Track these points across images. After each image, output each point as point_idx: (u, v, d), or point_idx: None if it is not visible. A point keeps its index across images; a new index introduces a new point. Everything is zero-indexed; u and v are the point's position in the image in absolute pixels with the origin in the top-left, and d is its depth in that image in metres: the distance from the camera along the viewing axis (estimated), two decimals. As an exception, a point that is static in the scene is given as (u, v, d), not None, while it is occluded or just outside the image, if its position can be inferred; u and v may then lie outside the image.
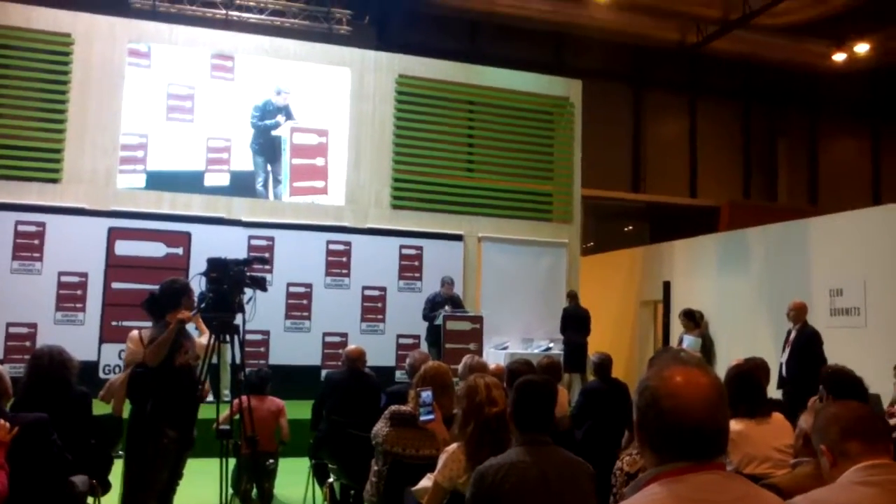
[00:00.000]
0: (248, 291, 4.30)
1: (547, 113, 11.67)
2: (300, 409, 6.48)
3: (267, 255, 9.39)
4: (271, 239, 9.85)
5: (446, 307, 9.30)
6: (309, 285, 9.97)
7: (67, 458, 3.59)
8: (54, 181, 9.31)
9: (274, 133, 10.24)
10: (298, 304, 9.89)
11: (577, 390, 8.48)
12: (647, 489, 1.40)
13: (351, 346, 6.00)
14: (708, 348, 10.28)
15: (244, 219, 9.81)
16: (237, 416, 4.41)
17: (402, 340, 10.10)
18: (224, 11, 12.21)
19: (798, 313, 7.60)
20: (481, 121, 11.38)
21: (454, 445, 3.23)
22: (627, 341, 13.10)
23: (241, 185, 10.05)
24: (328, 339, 9.91)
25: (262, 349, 9.50)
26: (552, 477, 2.62)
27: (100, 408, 4.66)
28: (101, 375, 8.56)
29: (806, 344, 7.33)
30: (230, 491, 4.72)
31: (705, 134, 17.09)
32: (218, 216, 9.72)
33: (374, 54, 11.08)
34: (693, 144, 17.02)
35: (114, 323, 9.00)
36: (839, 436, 2.16)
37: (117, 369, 8.09)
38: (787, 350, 7.53)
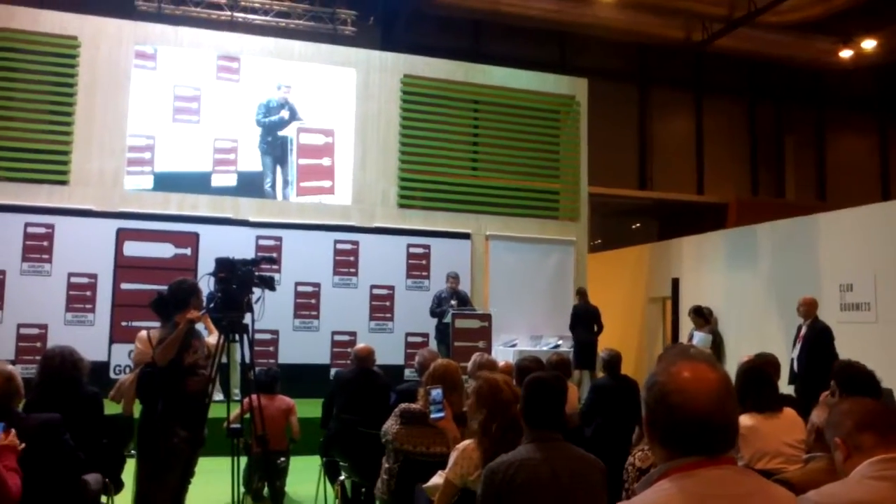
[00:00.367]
0: (257, 291, 4.31)
1: (553, 112, 11.66)
2: (310, 408, 6.50)
3: (275, 254, 9.39)
4: (279, 239, 9.87)
5: (452, 302, 9.32)
6: (317, 285, 9.99)
7: (80, 458, 3.61)
8: (62, 183, 9.36)
9: (280, 133, 10.26)
10: (307, 304, 9.92)
11: (586, 387, 8.47)
12: (658, 485, 1.40)
13: (360, 345, 6.01)
14: (718, 345, 10.27)
15: (251, 219, 9.84)
16: (247, 415, 4.42)
17: (410, 339, 10.11)
18: (229, 13, 12.24)
19: (808, 309, 7.58)
20: (487, 120, 11.37)
21: (466, 443, 3.23)
22: (636, 338, 13.08)
23: (248, 186, 10.07)
24: (337, 337, 9.92)
25: (271, 348, 9.53)
26: (563, 473, 2.62)
27: (111, 408, 4.68)
28: (112, 375, 8.59)
29: (817, 339, 7.31)
30: (242, 489, 4.73)
31: (712, 131, 17.03)
32: (225, 216, 9.75)
33: (379, 54, 11.09)
34: (700, 142, 16.97)
35: (123, 323, 9.04)
36: (853, 429, 2.16)
37: (127, 369, 8.11)
38: (799, 346, 7.51)
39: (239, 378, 7.84)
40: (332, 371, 9.03)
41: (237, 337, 4.21)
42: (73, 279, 9.14)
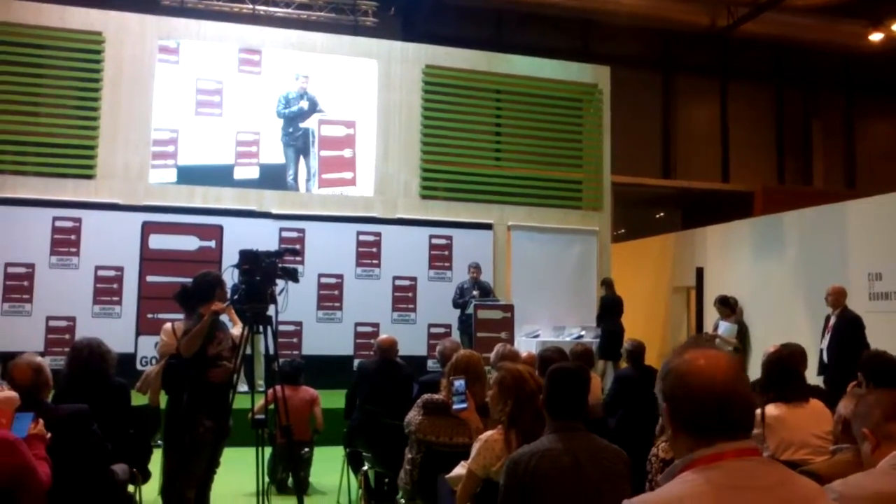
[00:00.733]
0: (280, 283, 4.34)
1: (575, 100, 11.57)
2: (334, 399, 6.55)
3: (298, 246, 9.46)
4: (302, 231, 9.92)
5: (474, 293, 9.32)
6: (340, 276, 10.04)
7: (108, 448, 3.67)
8: (89, 177, 9.48)
9: (302, 124, 10.30)
10: (330, 295, 9.97)
11: (610, 378, 8.44)
12: (682, 476, 1.40)
13: (383, 336, 6.03)
14: (744, 335, 10.15)
15: (275, 211, 9.90)
16: (272, 406, 4.45)
17: (433, 330, 10.13)
18: (251, 6, 12.29)
19: (837, 298, 7.47)
20: (509, 109, 11.32)
21: (488, 433, 3.23)
22: (660, 328, 12.98)
23: (271, 178, 10.13)
24: (360, 329, 9.97)
25: (294, 340, 9.60)
26: (585, 464, 2.61)
27: (137, 399, 4.74)
28: (138, 367, 8.73)
29: (847, 329, 7.20)
30: (266, 479, 4.78)
31: (737, 118, 16.80)
32: (249, 209, 9.82)
33: (401, 45, 11.07)
34: (725, 129, 16.75)
35: (149, 315, 9.16)
36: (882, 418, 2.14)
37: (153, 361, 8.22)
38: (828, 336, 7.41)
39: (263, 369, 7.91)
40: (356, 362, 9.07)
41: (261, 328, 4.24)
42: (101, 272, 9.27)
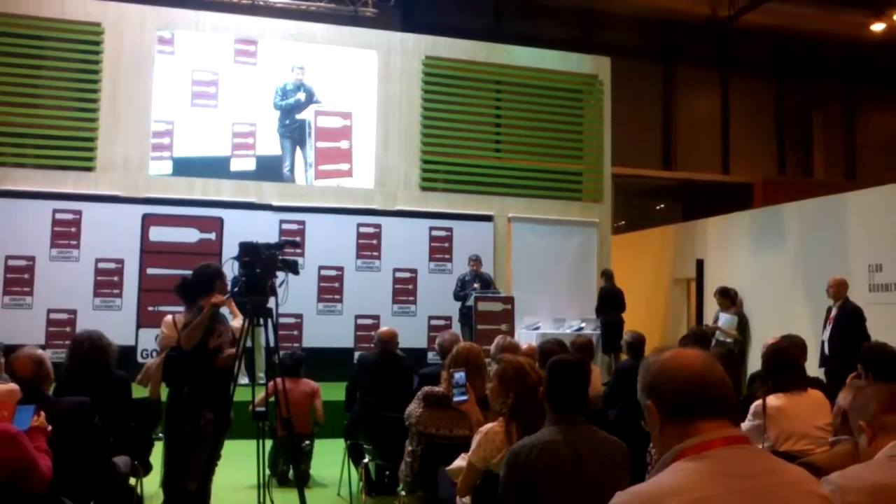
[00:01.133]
0: (281, 275, 4.34)
1: (576, 91, 11.55)
2: (334, 391, 6.56)
3: (298, 238, 9.45)
4: (302, 223, 9.92)
5: (475, 285, 9.32)
6: (340, 268, 10.04)
7: (109, 440, 3.68)
8: (89, 169, 9.47)
9: (298, 116, 10.27)
10: (330, 287, 9.97)
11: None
12: (673, 466, 1.44)
13: (383, 328, 6.03)
14: (744, 326, 10.15)
15: (274, 203, 9.89)
16: (272, 399, 4.46)
17: (433, 322, 10.13)
18: (250, -3, 12.23)
19: (838, 289, 7.47)
20: (509, 100, 11.29)
21: (489, 425, 3.23)
22: (660, 320, 12.99)
23: (268, 170, 10.11)
24: (360, 321, 9.98)
25: (295, 332, 9.61)
26: (586, 456, 2.62)
27: (138, 391, 4.75)
28: (139, 360, 8.73)
29: (848, 321, 7.21)
30: (267, 472, 4.79)
31: (738, 109, 16.76)
32: (249, 201, 9.81)
33: (401, 36, 11.04)
34: (725, 120, 16.71)
35: (150, 308, 9.16)
36: (878, 411, 2.14)
37: (154, 353, 8.24)
38: (829, 327, 7.41)
39: (264, 362, 7.92)
40: (356, 354, 9.09)
41: (261, 321, 4.24)
42: (101, 265, 9.27)
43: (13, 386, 3.27)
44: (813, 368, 6.51)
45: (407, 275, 10.28)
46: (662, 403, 1.52)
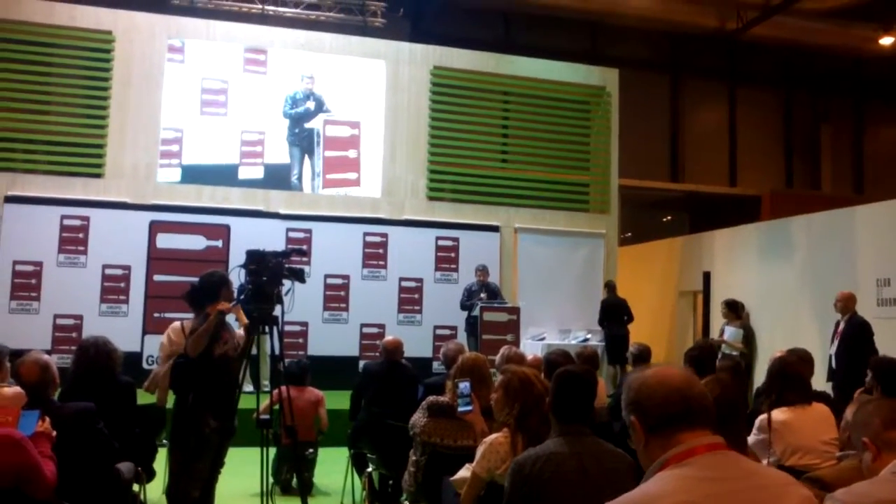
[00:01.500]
0: (287, 283, 4.34)
1: (583, 102, 11.56)
2: (339, 400, 6.55)
3: (305, 247, 9.48)
4: (309, 231, 9.94)
5: (482, 295, 9.31)
6: (346, 277, 10.05)
7: (114, 446, 3.68)
8: (97, 176, 9.52)
9: (307, 125, 10.31)
10: (336, 296, 9.97)
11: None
12: (659, 475, 1.52)
13: (388, 338, 6.03)
14: (750, 339, 10.11)
15: (282, 211, 9.92)
16: (277, 406, 4.46)
17: (439, 331, 10.13)
18: (260, 6, 12.32)
19: (846, 304, 7.43)
20: (517, 111, 11.32)
21: (493, 436, 3.22)
22: (666, 332, 12.95)
23: (276, 178, 10.14)
24: (365, 330, 9.97)
25: (300, 340, 9.61)
26: (591, 468, 2.60)
27: (143, 397, 4.75)
28: (145, 366, 8.73)
29: (856, 335, 7.16)
30: (271, 480, 4.78)
31: (746, 122, 16.75)
32: (256, 209, 9.84)
33: (409, 46, 11.08)
34: (733, 133, 16.70)
35: (156, 314, 9.18)
36: (881, 427, 2.13)
37: (160, 360, 8.25)
38: (837, 341, 7.36)
39: (269, 369, 7.93)
40: (361, 363, 9.08)
41: (267, 329, 4.24)
42: (108, 271, 9.30)
43: (18, 390, 3.27)
44: (820, 382, 6.46)
45: (413, 284, 10.29)
46: (646, 419, 1.59)
